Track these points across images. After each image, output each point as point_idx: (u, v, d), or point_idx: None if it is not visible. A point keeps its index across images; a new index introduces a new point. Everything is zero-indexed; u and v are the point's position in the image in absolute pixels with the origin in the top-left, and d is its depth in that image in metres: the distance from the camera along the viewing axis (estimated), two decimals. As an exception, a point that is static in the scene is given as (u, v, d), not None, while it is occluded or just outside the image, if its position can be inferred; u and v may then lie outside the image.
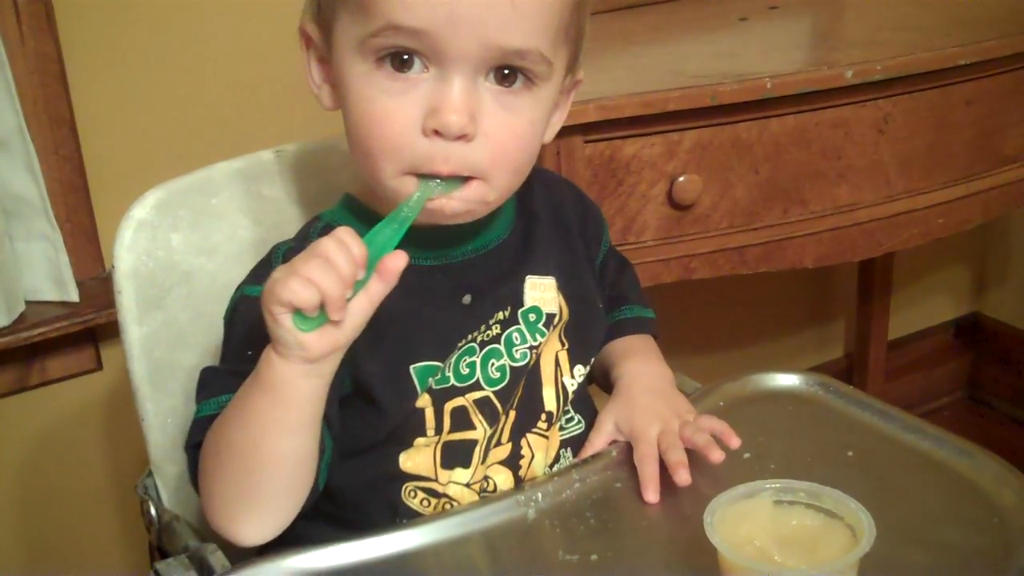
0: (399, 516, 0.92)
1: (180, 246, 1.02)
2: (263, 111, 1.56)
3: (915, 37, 1.53)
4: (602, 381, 1.06)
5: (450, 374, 0.92)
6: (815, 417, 1.00)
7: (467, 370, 0.93)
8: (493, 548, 0.86)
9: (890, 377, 2.34)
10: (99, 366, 1.55)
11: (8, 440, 1.53)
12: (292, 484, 0.84)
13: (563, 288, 0.99)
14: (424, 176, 0.85)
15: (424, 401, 0.91)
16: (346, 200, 0.96)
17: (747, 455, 0.93)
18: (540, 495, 0.90)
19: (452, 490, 0.93)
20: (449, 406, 0.92)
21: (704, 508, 0.79)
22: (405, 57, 0.83)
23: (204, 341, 1.03)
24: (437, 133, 0.83)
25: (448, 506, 0.92)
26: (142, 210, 1.01)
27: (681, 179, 1.37)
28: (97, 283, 1.50)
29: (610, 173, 1.35)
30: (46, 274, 1.45)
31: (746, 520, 0.79)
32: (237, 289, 0.92)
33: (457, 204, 0.86)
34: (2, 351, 1.42)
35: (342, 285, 0.75)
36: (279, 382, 0.79)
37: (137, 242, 1.00)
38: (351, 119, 0.87)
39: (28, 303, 1.46)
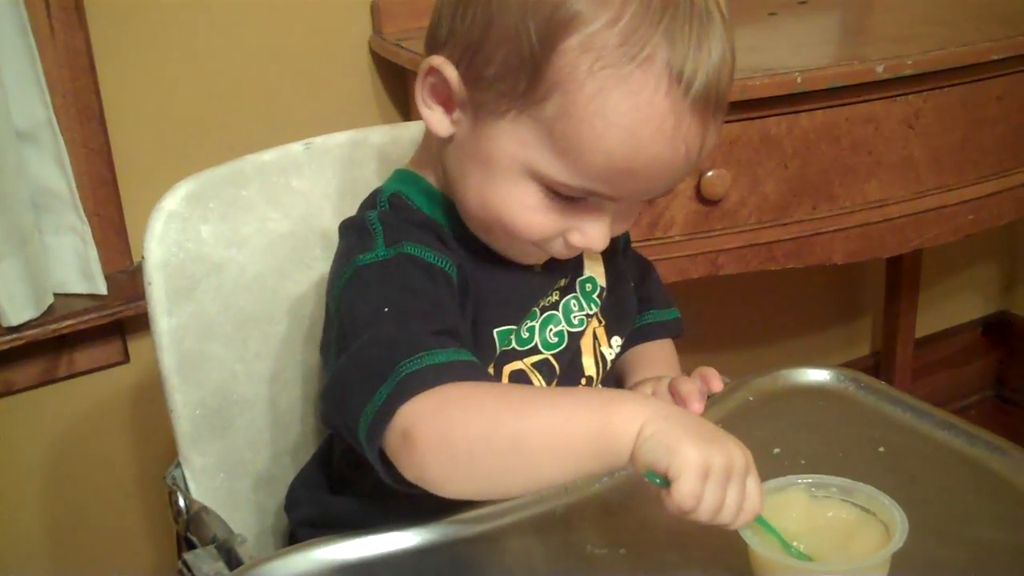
0: None
1: (210, 238, 1.02)
2: (292, 104, 1.57)
3: (946, 32, 1.52)
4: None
5: (512, 339, 0.93)
6: (846, 413, 0.99)
7: (527, 334, 0.94)
8: (521, 541, 0.86)
9: (917, 375, 2.33)
10: (126, 359, 1.56)
11: (36, 431, 1.54)
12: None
13: (605, 266, 1.02)
14: None
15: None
16: (406, 176, 0.96)
17: (777, 451, 0.93)
18: (569, 488, 0.90)
19: None
20: (508, 369, 0.93)
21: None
22: None
23: (233, 332, 1.03)
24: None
25: None
26: (173, 202, 1.01)
27: (709, 174, 1.37)
28: (125, 276, 1.51)
29: (638, 168, 1.35)
30: (74, 267, 1.46)
31: (778, 514, 0.78)
32: (348, 264, 0.88)
33: None
34: (30, 343, 1.43)
35: None
36: (620, 459, 0.76)
37: (167, 233, 1.00)
38: (493, 202, 0.87)
39: (56, 296, 1.46)
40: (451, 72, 0.86)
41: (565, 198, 0.86)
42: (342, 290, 0.88)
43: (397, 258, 0.87)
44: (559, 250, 0.90)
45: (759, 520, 0.76)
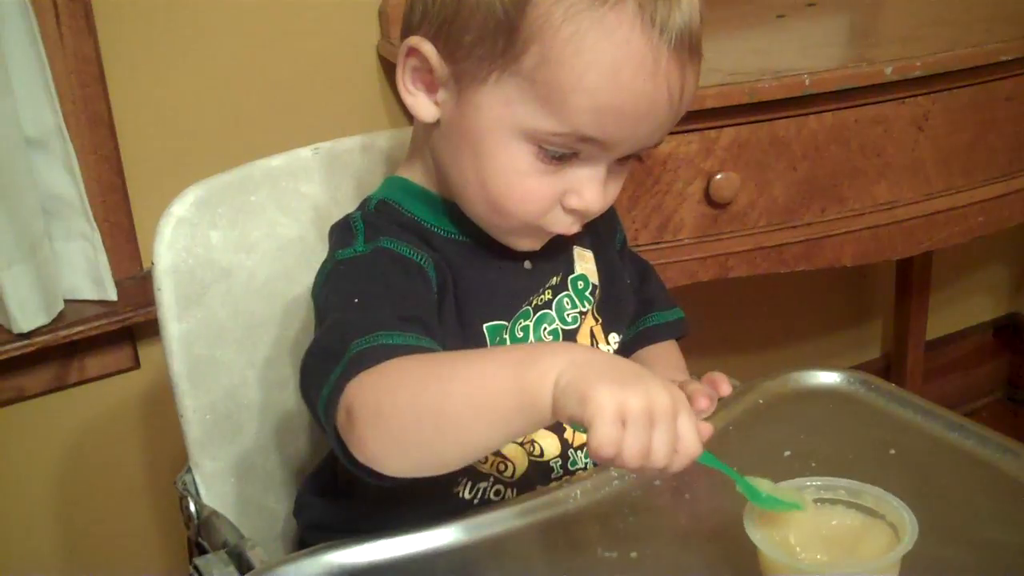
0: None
1: (219, 243, 1.02)
2: (301, 110, 1.57)
3: (955, 33, 1.51)
4: None
5: (506, 336, 0.94)
6: (856, 415, 0.99)
7: (521, 333, 0.95)
8: (532, 544, 0.86)
9: (928, 378, 2.32)
10: (137, 364, 1.56)
11: (47, 438, 1.55)
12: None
13: (597, 264, 1.02)
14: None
15: None
16: (395, 181, 0.97)
17: (787, 453, 0.93)
18: (579, 492, 0.90)
19: (506, 448, 0.94)
20: None
21: (744, 506, 0.78)
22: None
23: (243, 337, 1.04)
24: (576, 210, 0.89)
25: (502, 465, 0.94)
26: (182, 207, 1.01)
27: (718, 177, 1.37)
28: (135, 282, 1.51)
29: (646, 171, 1.35)
30: (85, 273, 1.46)
31: (786, 518, 0.78)
32: (328, 260, 0.91)
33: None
34: (41, 349, 1.44)
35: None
36: (544, 414, 0.73)
37: (177, 239, 1.00)
38: (488, 176, 0.88)
39: (67, 302, 1.47)
40: (429, 48, 0.88)
41: (557, 159, 0.86)
42: (320, 286, 0.90)
43: (374, 252, 0.89)
44: (559, 222, 0.90)
45: (707, 458, 0.74)
